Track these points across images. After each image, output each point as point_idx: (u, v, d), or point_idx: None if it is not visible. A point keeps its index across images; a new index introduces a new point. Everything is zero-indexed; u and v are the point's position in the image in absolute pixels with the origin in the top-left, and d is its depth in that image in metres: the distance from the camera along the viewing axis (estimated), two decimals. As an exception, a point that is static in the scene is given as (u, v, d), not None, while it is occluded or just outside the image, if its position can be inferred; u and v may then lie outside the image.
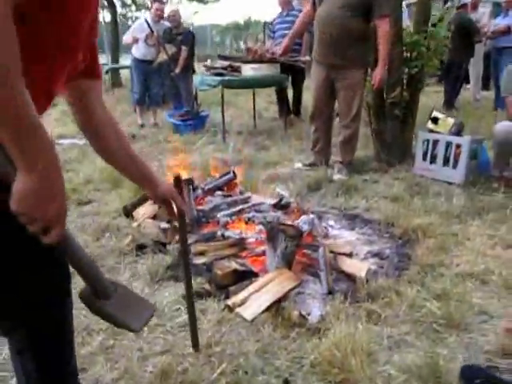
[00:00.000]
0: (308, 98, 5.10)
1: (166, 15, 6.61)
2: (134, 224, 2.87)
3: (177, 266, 2.36)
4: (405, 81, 3.90)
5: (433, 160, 3.74)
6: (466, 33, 6.93)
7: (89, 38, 1.07)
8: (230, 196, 2.89)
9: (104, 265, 2.44)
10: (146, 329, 1.88)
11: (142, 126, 6.66)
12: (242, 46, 32.16)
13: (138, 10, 13.40)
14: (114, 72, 10.19)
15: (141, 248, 2.60)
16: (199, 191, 2.86)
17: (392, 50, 3.76)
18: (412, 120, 4.03)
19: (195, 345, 1.73)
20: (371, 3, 3.50)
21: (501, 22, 7.45)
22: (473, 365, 1.63)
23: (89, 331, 1.87)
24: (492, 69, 8.31)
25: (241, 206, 2.65)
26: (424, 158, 3.79)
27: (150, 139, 5.85)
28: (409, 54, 3.83)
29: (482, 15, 7.95)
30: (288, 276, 2.11)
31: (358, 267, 2.27)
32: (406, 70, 3.82)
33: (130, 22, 14.80)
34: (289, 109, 6.37)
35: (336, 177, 3.76)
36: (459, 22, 6.90)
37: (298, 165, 4.12)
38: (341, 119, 3.83)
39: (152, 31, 6.27)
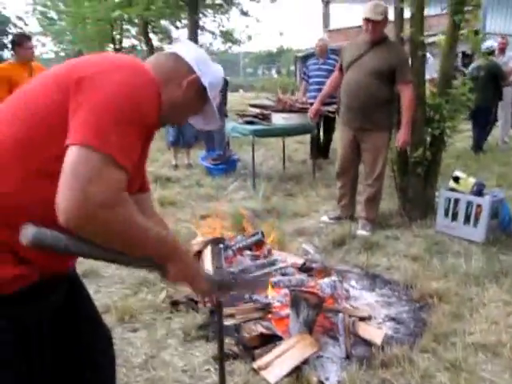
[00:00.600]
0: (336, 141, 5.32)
1: None
2: (169, 278, 3.13)
3: (207, 326, 2.60)
4: (428, 140, 4.10)
5: (454, 218, 3.90)
6: (493, 78, 7.09)
7: (142, 165, 1.35)
8: (258, 256, 3.13)
9: (140, 321, 2.71)
10: (179, 389, 2.13)
11: (176, 166, 7.03)
12: (275, 75, 32.93)
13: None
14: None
15: (175, 305, 2.86)
16: (229, 251, 3.11)
17: (415, 111, 4.00)
18: (435, 178, 4.21)
19: (223, 406, 1.95)
20: (395, 70, 3.75)
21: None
22: None
23: (129, 389, 2.13)
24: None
25: (267, 269, 2.88)
26: (446, 215, 3.96)
27: (184, 182, 6.19)
28: (431, 115, 4.03)
29: (510, 59, 8.10)
30: (309, 342, 2.32)
31: (374, 334, 2.47)
32: (429, 130, 4.02)
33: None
34: (319, 152, 6.64)
35: (359, 232, 3.96)
36: (488, 69, 7.08)
37: (324, 218, 4.34)
38: (365, 178, 4.05)
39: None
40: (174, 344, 2.48)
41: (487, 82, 7.05)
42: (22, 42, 4.82)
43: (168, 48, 1.33)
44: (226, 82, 7.05)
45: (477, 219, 3.80)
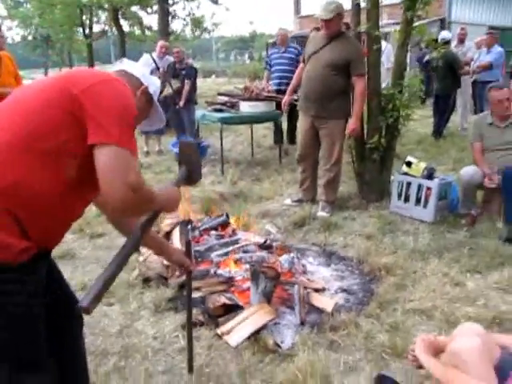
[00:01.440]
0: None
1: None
2: (141, 258, 3.35)
3: (176, 299, 2.86)
4: (383, 128, 4.40)
5: (406, 199, 4.23)
6: (450, 67, 7.44)
7: None
8: (223, 236, 3.39)
9: (115, 295, 2.94)
10: (150, 351, 2.39)
11: (148, 153, 7.21)
12: (247, 60, 32.95)
13: (142, 31, 14.07)
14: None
15: (146, 281, 3.10)
16: (196, 232, 3.36)
17: (371, 102, 4.30)
18: (390, 163, 4.53)
19: (190, 366, 2.23)
20: (350, 63, 4.03)
21: (484, 59, 8.01)
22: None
23: (105, 354, 2.37)
24: (477, 101, 8.87)
25: (231, 247, 3.15)
26: (399, 198, 4.28)
27: (155, 168, 6.38)
28: (386, 105, 4.33)
29: (469, 48, 8.48)
30: (267, 310, 2.60)
31: (326, 302, 2.76)
32: (384, 118, 4.32)
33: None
34: (283, 139, 6.91)
35: (319, 214, 4.26)
36: (445, 59, 7.44)
37: (287, 201, 4.62)
38: (324, 163, 4.34)
39: (157, 67, 6.85)
40: (145, 315, 2.73)
41: (445, 71, 7.41)
42: None
43: (116, 67, 1.65)
44: (195, 70, 7.24)
45: (426, 201, 4.13)
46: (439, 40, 7.51)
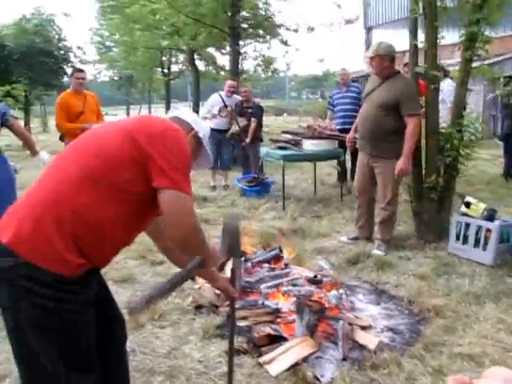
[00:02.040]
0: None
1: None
2: (196, 286, 3.55)
3: (224, 326, 3.00)
4: (442, 167, 4.38)
5: (465, 241, 4.14)
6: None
7: None
8: (275, 269, 3.52)
9: (168, 319, 3.14)
10: (193, 373, 2.53)
11: (214, 187, 7.54)
12: (319, 99, 33.50)
13: (216, 71, 14.85)
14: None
15: (198, 308, 3.28)
16: (249, 264, 3.52)
17: (429, 140, 4.32)
18: (448, 203, 4.47)
19: (230, 391, 2.34)
20: (400, 103, 4.09)
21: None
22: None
23: (152, 373, 2.55)
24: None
25: (280, 280, 3.26)
26: (457, 239, 4.21)
27: (219, 202, 6.67)
28: (444, 144, 4.33)
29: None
30: (309, 343, 2.67)
31: (370, 340, 2.79)
32: (442, 158, 4.31)
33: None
34: (347, 177, 6.97)
35: (374, 252, 4.27)
36: (514, 94, 7.24)
37: (343, 238, 4.68)
38: (379, 201, 4.38)
39: (225, 105, 7.25)
40: (194, 340, 2.90)
41: (515, 107, 7.20)
42: (73, 73, 5.55)
43: (172, 113, 1.92)
44: (261, 109, 7.57)
45: (486, 243, 4.02)
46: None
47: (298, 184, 7.91)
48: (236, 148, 7.89)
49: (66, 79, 14.77)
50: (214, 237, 4.87)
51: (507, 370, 1.72)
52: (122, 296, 3.48)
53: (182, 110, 1.94)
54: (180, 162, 1.55)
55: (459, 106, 4.34)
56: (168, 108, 21.06)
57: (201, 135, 1.84)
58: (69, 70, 14.83)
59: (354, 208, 5.79)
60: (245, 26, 9.19)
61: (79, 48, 14.68)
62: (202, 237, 1.66)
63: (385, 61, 4.15)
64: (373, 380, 2.48)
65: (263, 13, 9.71)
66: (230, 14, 8.95)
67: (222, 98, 7.34)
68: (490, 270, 3.90)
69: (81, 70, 5.59)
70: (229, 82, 7.44)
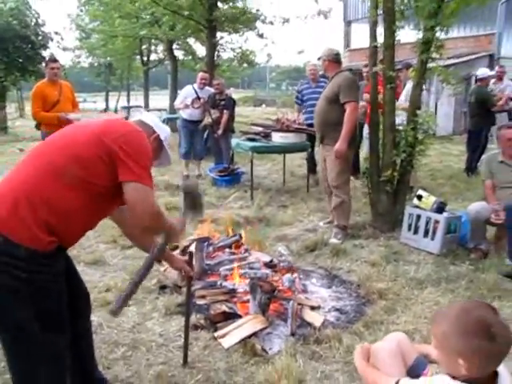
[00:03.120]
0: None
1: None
2: (162, 268, 3.79)
3: (185, 304, 3.24)
4: (398, 162, 4.68)
5: (416, 231, 4.46)
6: (482, 104, 7.57)
7: None
8: (235, 254, 3.78)
9: (134, 298, 3.37)
10: (154, 345, 2.78)
11: (187, 176, 7.73)
12: (295, 91, 33.77)
13: (195, 61, 15.00)
14: (171, 120, 11.54)
15: (163, 288, 3.52)
16: (211, 248, 3.77)
17: (386, 137, 4.62)
18: (403, 196, 4.78)
19: (184, 360, 2.60)
20: (339, 95, 4.48)
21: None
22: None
23: (116, 344, 2.79)
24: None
25: (238, 263, 3.52)
26: (409, 229, 4.52)
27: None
28: (401, 141, 4.63)
29: (507, 86, 8.52)
30: (260, 320, 2.94)
31: (316, 318, 3.07)
32: (397, 153, 4.61)
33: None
34: (316, 169, 7.25)
35: (331, 240, 4.57)
36: (476, 95, 7.60)
37: (320, 223, 5.08)
38: (332, 187, 4.73)
39: (198, 97, 7.46)
40: (156, 316, 3.15)
41: (476, 107, 7.57)
42: (47, 63, 5.69)
43: (136, 116, 2.18)
44: (233, 101, 7.80)
45: (434, 233, 4.35)
46: (478, 76, 7.71)
47: (270, 175, 8.18)
48: (209, 139, 8.11)
49: (43, 65, 14.71)
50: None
51: (402, 333, 2.02)
52: (92, 277, 3.73)
53: (145, 114, 2.18)
54: (142, 159, 1.83)
55: (414, 104, 4.64)
56: (146, 95, 21.07)
57: (162, 137, 2.11)
58: (47, 56, 14.78)
59: (320, 199, 6.15)
60: (222, 19, 9.33)
61: (57, 33, 14.60)
62: (162, 220, 1.94)
63: (326, 62, 4.66)
64: (315, 352, 2.75)
65: (240, 6, 9.86)
66: (206, 7, 9.09)
67: (194, 89, 7.54)
68: (436, 258, 4.22)
69: (55, 60, 5.71)
70: (201, 74, 7.64)
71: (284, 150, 6.59)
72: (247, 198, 6.35)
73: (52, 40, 14.45)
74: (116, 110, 28.27)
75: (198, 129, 7.68)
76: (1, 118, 14.43)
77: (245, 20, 9.69)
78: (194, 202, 2.39)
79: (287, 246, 4.45)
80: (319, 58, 4.87)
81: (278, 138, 6.26)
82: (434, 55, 4.48)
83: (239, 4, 10.08)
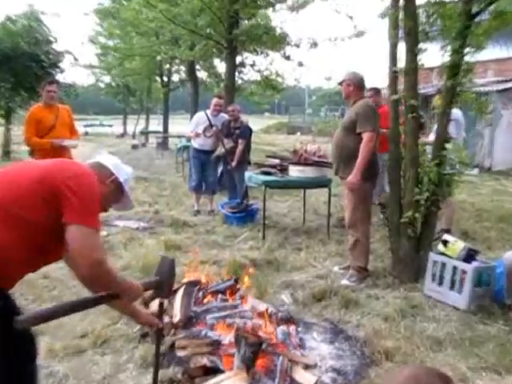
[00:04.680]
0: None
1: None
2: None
3: (165, 355, 3.33)
4: (421, 202, 4.70)
5: (441, 282, 4.44)
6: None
7: None
8: (227, 300, 3.86)
9: (111, 346, 3.49)
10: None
11: (198, 212, 7.93)
12: (336, 117, 33.84)
13: (217, 83, 15.53)
14: (187, 148, 11.87)
15: (144, 336, 3.63)
16: (201, 293, 3.87)
17: (407, 173, 4.68)
18: (427, 241, 4.78)
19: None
20: (355, 123, 4.69)
21: None
22: None
23: None
24: None
25: (228, 312, 3.60)
26: (433, 280, 4.50)
27: (199, 228, 7.04)
28: (424, 178, 4.67)
29: None
30: (242, 377, 2.99)
31: (308, 379, 3.10)
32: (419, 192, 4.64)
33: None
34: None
35: (343, 282, 4.67)
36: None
37: (335, 268, 5.17)
38: (347, 226, 4.84)
39: (211, 124, 7.71)
40: (131, 368, 3.24)
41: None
42: (44, 85, 6.02)
43: (95, 158, 2.37)
44: (250, 130, 8.01)
45: (462, 285, 4.31)
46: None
47: (290, 212, 8.29)
48: (222, 171, 8.34)
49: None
50: (179, 263, 5.25)
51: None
52: (70, 320, 3.80)
53: (104, 156, 2.38)
54: (90, 201, 1.99)
55: (440, 137, 4.69)
56: (166, 120, 21.72)
57: (121, 180, 2.29)
58: (58, 76, 15.52)
59: (341, 241, 6.19)
60: (243, 38, 9.67)
61: (68, 52, 15.38)
62: (106, 273, 2.01)
63: (350, 86, 4.86)
64: (300, 416, 2.79)
65: (262, 23, 10.21)
66: (226, 26, 9.47)
67: (207, 116, 7.80)
68: (463, 315, 4.17)
69: (51, 82, 6.06)
70: (215, 100, 7.89)
71: (301, 185, 6.74)
72: (259, 238, 6.45)
73: (63, 59, 15.22)
74: (134, 135, 29.25)
75: (211, 160, 7.90)
76: (4, 141, 15.11)
77: (268, 40, 10.01)
78: (162, 281, 2.49)
79: (292, 293, 4.52)
80: (341, 83, 5.04)
81: (294, 172, 6.40)
82: (463, 80, 4.55)
83: (261, 21, 10.40)
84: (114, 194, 2.27)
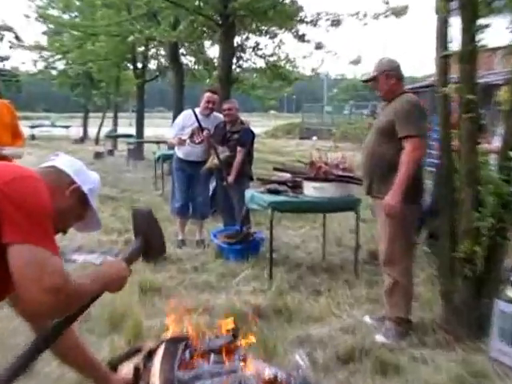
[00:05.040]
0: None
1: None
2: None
3: None
4: (483, 230, 4.65)
5: (512, 340, 4.37)
6: None
7: None
8: (224, 362, 3.80)
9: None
10: None
11: (183, 242, 7.89)
12: (365, 116, 33.30)
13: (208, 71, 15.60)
14: (170, 158, 11.83)
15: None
16: (187, 353, 3.81)
17: (463, 191, 4.63)
18: (493, 284, 4.70)
19: None
20: (395, 126, 4.64)
21: None
22: None
23: None
24: None
25: (224, 379, 3.54)
26: (501, 337, 4.43)
27: (185, 264, 6.99)
28: (487, 198, 4.61)
29: None
30: None
31: None
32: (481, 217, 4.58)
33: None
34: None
35: (378, 338, 4.64)
36: None
37: (366, 319, 5.12)
38: (381, 262, 4.80)
39: (201, 127, 7.69)
40: None
41: None
42: None
43: (48, 162, 2.30)
44: (252, 135, 7.94)
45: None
46: None
47: (304, 243, 8.24)
48: (216, 189, 8.30)
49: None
50: (158, 312, 5.20)
51: None
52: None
53: (62, 158, 2.31)
54: (35, 213, 1.91)
55: (509, 142, 4.62)
56: (140, 120, 21.75)
57: (85, 189, 2.23)
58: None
59: (373, 283, 6.14)
60: (242, 13, 9.66)
61: (7, 29, 15.37)
62: (77, 291, 2.00)
63: (391, 79, 4.83)
64: None
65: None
66: (221, -3, 9.49)
67: (196, 116, 7.75)
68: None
69: None
70: (207, 95, 7.78)
71: (319, 208, 6.68)
72: (264, 277, 6.40)
73: (2, 39, 15.24)
74: (98, 140, 29.27)
75: (200, 174, 7.84)
76: None
77: (276, 15, 10.00)
78: (147, 237, 2.51)
79: (309, 353, 4.44)
80: (366, 81, 5.11)
81: (311, 191, 6.35)
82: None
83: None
84: (76, 208, 2.21)
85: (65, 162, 2.26)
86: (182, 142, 7.74)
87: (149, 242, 2.48)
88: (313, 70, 14.15)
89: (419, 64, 75.63)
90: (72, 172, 2.22)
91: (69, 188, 2.17)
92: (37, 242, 1.86)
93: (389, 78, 4.83)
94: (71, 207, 2.16)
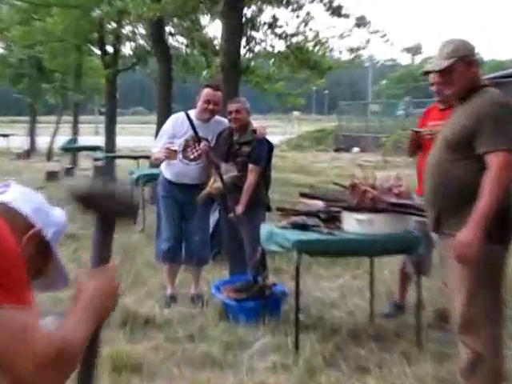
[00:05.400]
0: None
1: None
2: None
3: None
4: None
5: None
6: None
7: None
8: None
9: None
10: None
11: (172, 298, 7.91)
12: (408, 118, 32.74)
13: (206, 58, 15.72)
14: (151, 181, 11.85)
15: None
16: None
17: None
18: None
19: None
20: (474, 135, 4.58)
21: None
22: None
23: None
24: None
25: None
26: None
27: (176, 329, 7.01)
28: None
29: None
30: None
31: None
32: None
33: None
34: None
35: None
36: None
37: None
38: (456, 328, 4.77)
39: (197, 136, 7.69)
40: None
41: None
42: None
43: None
44: (269, 147, 7.97)
45: None
46: None
47: (343, 299, 8.22)
48: (220, 222, 8.33)
49: None
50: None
51: None
52: None
53: (14, 191, 2.24)
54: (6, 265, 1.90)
55: None
56: (110, 126, 21.84)
57: (47, 234, 2.20)
58: None
59: (445, 354, 6.13)
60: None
61: None
62: (71, 346, 1.95)
63: (472, 67, 4.78)
64: None
65: None
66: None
67: (191, 121, 7.74)
68: None
69: None
70: (206, 92, 7.75)
71: (365, 249, 6.69)
72: (288, 348, 6.42)
73: None
74: (50, 154, 29.31)
75: (197, 201, 7.83)
76: None
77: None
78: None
79: None
80: (428, 72, 5.27)
81: (352, 225, 6.37)
82: None
83: None
84: (35, 260, 2.16)
85: (19, 197, 2.18)
86: (171, 154, 7.60)
87: (107, 216, 2.24)
88: (352, 50, 14.11)
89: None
90: (30, 211, 2.15)
91: (26, 233, 2.11)
92: (8, 299, 1.80)
93: (470, 66, 4.75)
94: (29, 259, 2.07)
